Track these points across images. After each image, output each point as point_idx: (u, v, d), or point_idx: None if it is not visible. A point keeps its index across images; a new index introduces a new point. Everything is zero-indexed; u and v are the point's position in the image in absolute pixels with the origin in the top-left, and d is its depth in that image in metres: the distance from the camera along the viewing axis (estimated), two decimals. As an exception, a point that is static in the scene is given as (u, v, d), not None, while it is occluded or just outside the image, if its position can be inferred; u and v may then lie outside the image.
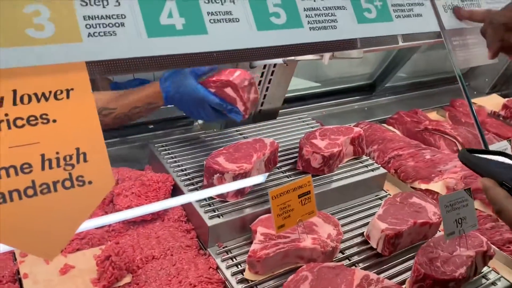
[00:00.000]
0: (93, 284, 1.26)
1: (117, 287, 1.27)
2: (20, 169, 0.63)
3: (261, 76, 1.85)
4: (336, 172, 1.74)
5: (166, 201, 1.56)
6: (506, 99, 2.76)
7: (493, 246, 1.47)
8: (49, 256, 0.63)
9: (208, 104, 1.57)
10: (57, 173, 0.66)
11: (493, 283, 1.41)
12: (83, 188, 0.66)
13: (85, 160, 0.67)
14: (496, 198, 0.71)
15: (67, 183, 0.65)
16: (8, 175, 0.62)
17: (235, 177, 1.49)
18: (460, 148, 2.14)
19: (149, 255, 1.38)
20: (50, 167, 0.65)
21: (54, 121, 0.66)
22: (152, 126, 2.10)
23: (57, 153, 0.66)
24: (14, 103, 0.64)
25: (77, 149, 0.67)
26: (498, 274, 1.44)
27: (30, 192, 0.63)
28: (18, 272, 1.29)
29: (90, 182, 0.67)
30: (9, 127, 0.63)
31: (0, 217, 0.60)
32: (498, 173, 0.70)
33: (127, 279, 1.30)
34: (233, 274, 1.35)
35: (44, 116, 0.66)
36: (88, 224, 1.41)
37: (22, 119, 0.64)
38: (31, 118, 0.65)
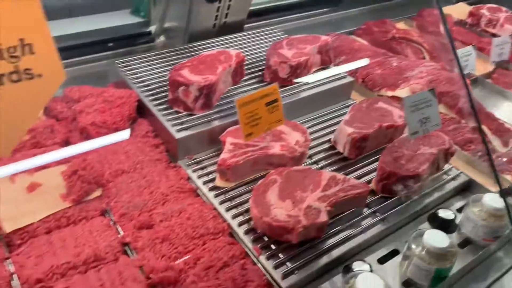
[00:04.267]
0: (62, 199, 1.25)
1: (87, 200, 1.27)
2: (-40, 61, 0.58)
3: (224, -16, 1.75)
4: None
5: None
6: (473, 6, 2.74)
7: (454, 145, 1.53)
8: (2, 153, 0.61)
9: None
10: (2, 66, 0.61)
11: (453, 179, 1.48)
12: (33, 82, 0.62)
13: (31, 52, 0.63)
14: None
15: (14, 76, 0.61)
16: None
17: (201, 89, 1.46)
18: (426, 55, 2.15)
19: (118, 169, 1.37)
20: (-7, 60, 0.60)
21: (-8, 9, 0.60)
22: (112, 44, 1.99)
23: (-1, 44, 0.61)
24: None
25: (21, 40, 0.62)
26: (458, 170, 1.51)
27: (-26, 85, 0.59)
28: (-17, 193, 1.26)
29: (39, 75, 0.63)
30: None
31: None
32: None
33: (97, 192, 1.29)
34: (205, 183, 1.37)
35: (-21, 4, 0.60)
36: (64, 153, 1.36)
37: (-46, 5, 0.58)
38: (-35, 5, 0.59)
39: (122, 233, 1.19)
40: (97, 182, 1.30)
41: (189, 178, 1.39)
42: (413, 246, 1.14)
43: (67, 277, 1.06)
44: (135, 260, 1.12)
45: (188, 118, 1.48)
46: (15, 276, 1.06)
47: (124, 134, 1.38)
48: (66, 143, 1.42)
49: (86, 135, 1.43)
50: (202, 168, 1.43)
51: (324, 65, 1.82)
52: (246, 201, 1.31)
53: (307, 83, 1.70)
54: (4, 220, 1.17)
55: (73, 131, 1.46)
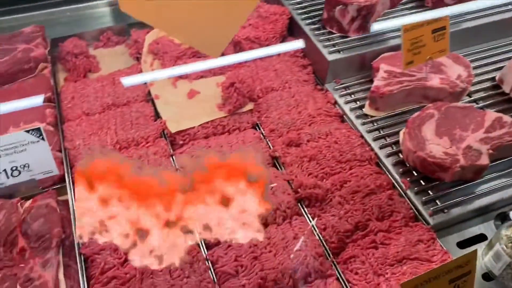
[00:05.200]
0: (218, 109, 1.32)
1: (240, 112, 1.32)
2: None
3: None
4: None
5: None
6: None
7: None
8: (213, 53, 0.64)
9: None
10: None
11: None
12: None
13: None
14: None
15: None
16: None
17: (360, 10, 1.38)
18: None
19: (268, 86, 1.39)
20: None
21: None
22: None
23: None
24: None
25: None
26: None
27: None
28: (149, 94, 1.38)
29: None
30: None
31: (169, 13, 0.60)
32: None
33: (249, 106, 1.34)
34: (352, 109, 1.34)
35: None
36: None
37: None
38: None
39: (271, 147, 1.24)
40: (249, 97, 1.34)
41: (335, 103, 1.37)
42: None
43: (223, 180, 1.15)
44: (284, 173, 1.17)
45: (341, 40, 1.43)
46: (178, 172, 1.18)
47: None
48: (221, 55, 1.47)
49: (239, 49, 1.47)
50: (349, 94, 1.40)
51: (497, -7, 1.59)
52: (396, 133, 1.26)
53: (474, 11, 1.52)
54: (169, 121, 1.28)
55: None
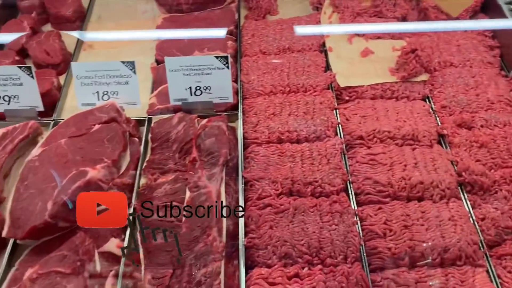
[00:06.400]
0: (390, 73, 1.29)
1: (412, 81, 1.28)
2: None
3: None
4: None
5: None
6: None
7: None
8: (452, 12, 0.62)
9: None
10: None
11: None
12: None
13: None
14: None
15: None
16: None
17: None
18: None
19: (447, 60, 1.32)
20: None
21: None
22: None
23: None
24: None
25: None
26: None
27: None
28: (324, 45, 1.40)
29: None
30: None
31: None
32: None
33: (424, 77, 1.29)
34: (539, 104, 1.22)
35: None
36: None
37: None
38: None
39: (440, 124, 1.19)
40: (426, 67, 1.29)
41: (521, 93, 1.26)
42: None
43: (385, 144, 1.14)
44: (449, 153, 1.12)
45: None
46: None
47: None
48: (403, 19, 1.42)
49: (423, 16, 1.40)
50: (539, 89, 1.26)
51: None
52: None
53: None
54: (338, 75, 1.29)
55: (412, 9, 1.44)
